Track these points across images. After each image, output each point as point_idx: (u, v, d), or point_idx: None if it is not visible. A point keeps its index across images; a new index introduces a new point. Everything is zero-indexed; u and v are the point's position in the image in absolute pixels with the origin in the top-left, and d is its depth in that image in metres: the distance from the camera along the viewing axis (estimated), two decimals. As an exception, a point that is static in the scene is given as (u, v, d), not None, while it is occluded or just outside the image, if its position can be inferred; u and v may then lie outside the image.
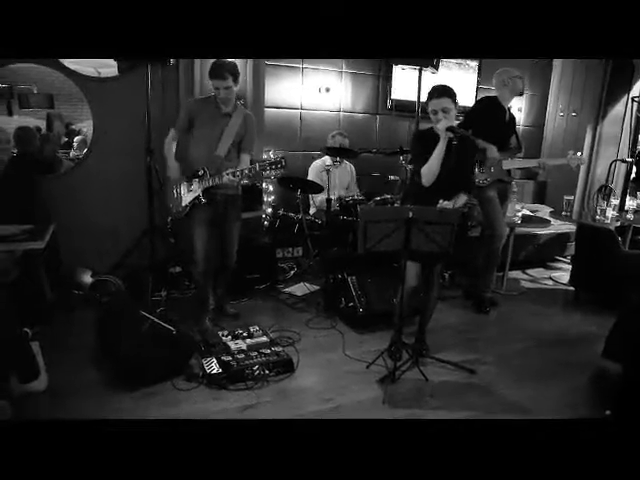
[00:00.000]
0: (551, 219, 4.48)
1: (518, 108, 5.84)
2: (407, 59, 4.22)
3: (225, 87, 2.85)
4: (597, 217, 3.98)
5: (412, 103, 4.53)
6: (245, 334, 2.91)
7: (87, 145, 3.95)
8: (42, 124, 4.29)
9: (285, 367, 2.67)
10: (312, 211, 4.42)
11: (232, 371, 2.53)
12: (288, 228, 4.22)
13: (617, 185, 4.95)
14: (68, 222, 3.44)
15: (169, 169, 3.04)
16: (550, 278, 4.66)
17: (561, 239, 4.95)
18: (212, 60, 2.95)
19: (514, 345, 3.18)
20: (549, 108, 5.91)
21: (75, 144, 4.41)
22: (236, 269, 3.35)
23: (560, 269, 4.93)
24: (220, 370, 2.54)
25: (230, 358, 2.62)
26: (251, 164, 2.88)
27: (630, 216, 4.16)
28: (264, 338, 2.88)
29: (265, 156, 2.83)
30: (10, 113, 4.11)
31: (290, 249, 4.28)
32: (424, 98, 2.78)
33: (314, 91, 4.77)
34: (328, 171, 3.66)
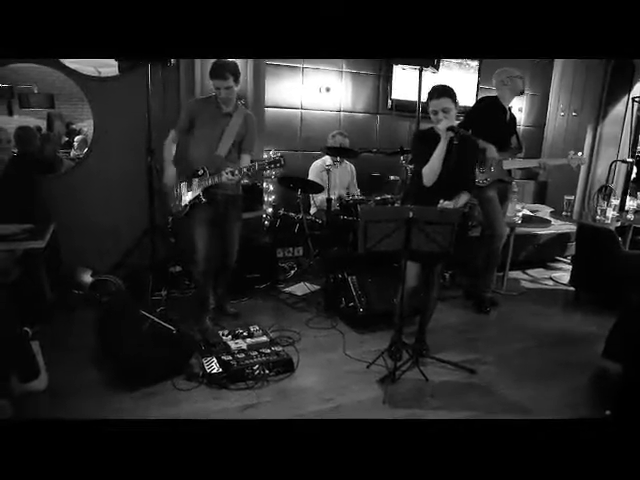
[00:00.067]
0: (551, 219, 4.48)
1: (519, 108, 5.84)
2: (408, 59, 4.22)
3: (226, 87, 2.85)
4: (597, 217, 3.98)
5: (412, 103, 4.53)
6: (245, 334, 2.91)
7: (88, 145, 3.95)
8: (43, 124, 4.30)
9: (285, 367, 2.67)
10: (312, 211, 4.42)
11: (232, 371, 2.53)
12: (288, 228, 4.22)
13: (617, 185, 4.95)
14: (68, 221, 3.44)
15: (165, 176, 3.03)
16: (550, 278, 4.66)
17: (561, 239, 4.95)
18: (213, 60, 2.95)
19: (514, 345, 3.18)
20: (550, 108, 5.91)
21: (76, 144, 4.41)
22: (236, 269, 3.35)
23: (560, 269, 4.93)
24: (220, 370, 2.54)
25: (230, 358, 2.62)
26: (250, 163, 2.89)
27: (630, 216, 4.16)
28: (264, 338, 2.88)
29: (265, 156, 2.82)
30: (11, 113, 4.12)
31: (290, 249, 4.28)
32: (424, 98, 2.78)
33: (314, 91, 4.78)
34: (328, 171, 3.66)
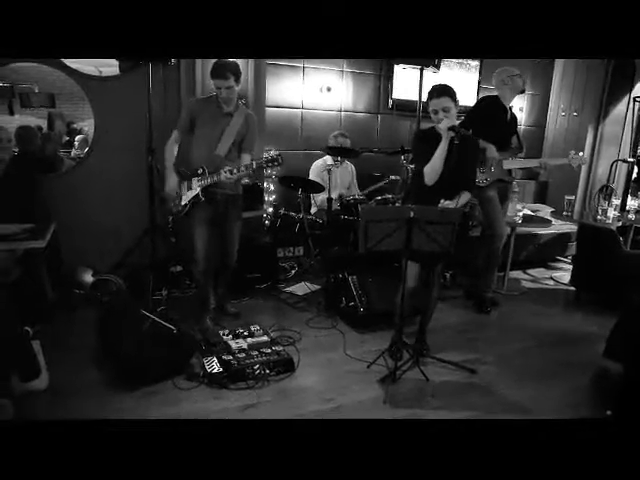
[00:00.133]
0: (552, 219, 4.47)
1: (519, 108, 5.84)
2: (409, 59, 4.22)
3: (227, 87, 2.85)
4: (598, 217, 3.98)
5: (413, 102, 4.53)
6: (246, 333, 2.91)
7: (88, 144, 3.96)
8: (43, 123, 4.30)
9: (286, 366, 2.67)
10: (313, 210, 4.42)
11: (233, 370, 2.53)
12: (289, 227, 4.22)
13: (618, 185, 4.95)
14: (69, 221, 3.44)
15: (167, 185, 3.01)
16: (551, 278, 4.66)
17: (562, 239, 4.95)
18: (214, 60, 2.95)
19: (515, 345, 3.18)
20: (550, 108, 5.90)
21: (76, 143, 4.42)
22: (237, 268, 3.35)
23: (561, 269, 4.93)
24: (221, 369, 2.55)
25: (231, 357, 2.62)
26: None
27: (631, 216, 4.16)
28: (265, 337, 2.88)
29: (266, 155, 2.83)
30: (11, 112, 4.12)
31: (291, 248, 4.28)
32: (425, 98, 2.78)
33: (315, 90, 4.77)
34: (329, 171, 3.66)
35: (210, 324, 3.12)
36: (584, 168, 5.13)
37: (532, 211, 4.81)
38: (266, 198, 4.37)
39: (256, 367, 2.56)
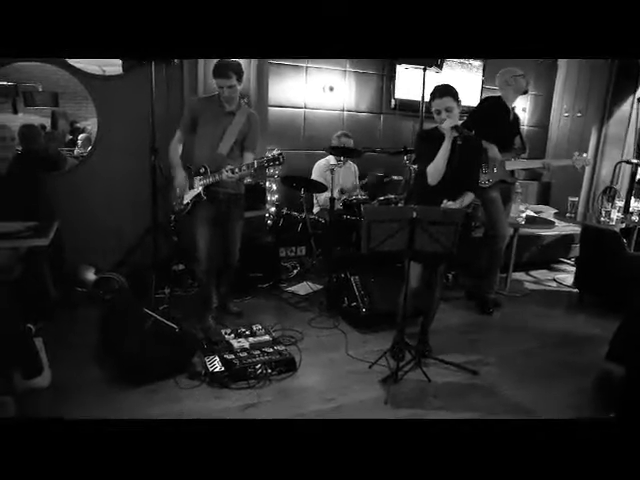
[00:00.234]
0: (555, 220, 4.46)
1: (522, 108, 5.83)
2: (412, 59, 4.22)
3: (229, 86, 2.85)
4: (602, 219, 3.96)
5: (416, 102, 4.52)
6: (248, 332, 2.91)
7: (91, 143, 3.97)
8: (47, 122, 4.32)
9: (287, 366, 2.67)
10: (316, 210, 4.42)
11: (234, 369, 2.53)
12: (291, 227, 4.22)
13: (622, 187, 4.93)
14: (72, 219, 3.44)
15: (177, 181, 3.02)
16: (554, 280, 4.64)
17: (565, 241, 4.94)
18: (216, 59, 2.96)
19: (517, 346, 3.17)
20: (554, 108, 5.88)
21: (79, 142, 4.43)
22: (239, 268, 3.35)
23: (564, 271, 4.91)
24: (222, 368, 2.55)
25: (233, 356, 2.62)
26: None
27: (635, 218, 4.14)
28: (267, 337, 2.88)
29: (269, 155, 2.83)
30: (15, 111, 4.14)
31: (293, 248, 4.28)
32: (428, 98, 2.78)
33: (318, 90, 4.77)
34: (332, 170, 3.66)
35: (212, 323, 3.13)
36: (588, 169, 5.12)
37: (535, 212, 4.80)
38: (268, 198, 4.37)
39: (258, 366, 2.57)
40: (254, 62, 4.02)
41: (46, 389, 2.39)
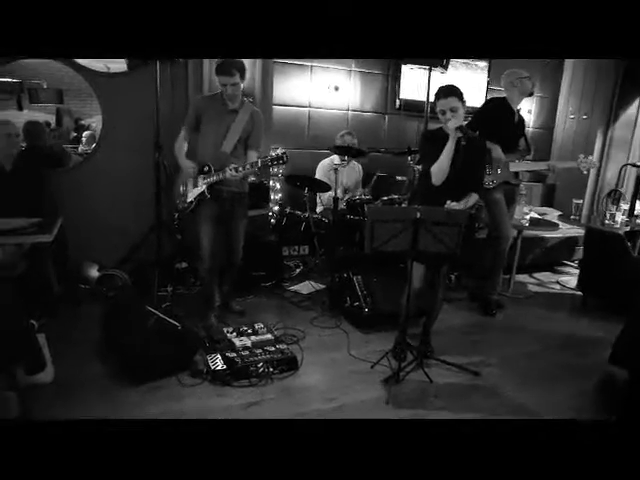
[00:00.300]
0: (559, 223, 4.44)
1: (528, 110, 5.81)
2: (417, 59, 4.21)
3: (232, 83, 2.85)
4: (606, 221, 3.95)
5: (421, 103, 4.52)
6: (250, 331, 2.91)
7: (96, 140, 3.97)
8: (52, 119, 4.32)
9: (289, 365, 2.67)
10: (319, 210, 4.41)
11: (236, 368, 2.53)
12: (295, 226, 4.22)
13: (627, 189, 4.91)
14: (76, 216, 3.46)
15: (184, 169, 3.02)
16: (557, 282, 4.63)
17: (569, 243, 4.92)
18: (221, 57, 2.96)
19: (519, 348, 3.16)
20: (559, 110, 5.86)
21: (84, 139, 4.44)
22: (242, 266, 3.35)
23: (568, 273, 4.89)
24: (224, 367, 2.55)
25: (235, 355, 2.62)
26: None
27: (640, 221, 4.12)
28: (269, 335, 2.88)
29: (273, 154, 2.83)
30: (20, 108, 4.14)
31: (296, 247, 4.28)
32: (433, 98, 2.78)
33: (323, 89, 4.77)
34: (336, 170, 3.65)
35: (214, 321, 3.13)
36: (593, 172, 5.10)
37: (539, 214, 4.79)
38: (272, 196, 4.37)
39: (260, 365, 2.57)
40: (259, 61, 4.02)
41: (49, 385, 2.39)
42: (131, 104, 3.77)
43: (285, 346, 2.79)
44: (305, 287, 3.93)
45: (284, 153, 2.79)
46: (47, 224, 2.77)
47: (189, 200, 3.03)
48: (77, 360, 2.63)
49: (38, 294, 2.93)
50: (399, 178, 4.56)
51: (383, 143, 4.96)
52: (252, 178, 3.70)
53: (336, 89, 4.81)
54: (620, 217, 3.95)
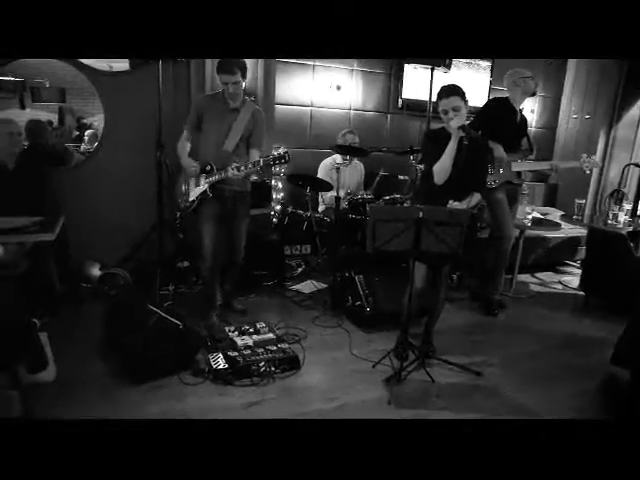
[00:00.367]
0: (562, 222, 4.43)
1: (531, 110, 5.80)
2: (420, 59, 4.21)
3: (233, 82, 2.85)
4: (609, 221, 3.94)
5: (423, 102, 4.51)
6: (252, 330, 2.91)
7: (98, 139, 3.98)
8: (54, 118, 4.33)
9: (291, 364, 2.67)
10: (321, 209, 4.41)
11: (238, 367, 2.53)
12: (297, 225, 4.22)
13: (630, 189, 4.90)
14: (78, 215, 3.46)
15: (187, 169, 3.02)
16: (560, 282, 4.62)
17: (571, 243, 4.91)
18: (223, 56, 2.95)
19: (521, 348, 3.15)
20: (562, 110, 5.85)
21: (86, 138, 4.45)
22: (244, 265, 3.36)
23: (570, 273, 4.89)
24: (226, 366, 2.55)
25: (236, 354, 2.62)
26: None
27: (642, 221, 4.11)
28: (271, 335, 2.88)
29: (275, 153, 2.83)
30: (23, 106, 4.16)
31: (298, 246, 4.28)
32: (435, 98, 2.77)
33: (325, 89, 4.77)
34: (338, 169, 3.65)
35: (216, 320, 3.13)
36: (595, 171, 5.09)
37: (542, 214, 4.77)
38: (274, 196, 4.37)
39: (261, 364, 2.57)
40: (262, 60, 4.03)
41: (51, 384, 2.40)
42: (133, 103, 3.77)
43: (287, 345, 2.79)
44: (307, 286, 3.93)
45: (286, 152, 2.79)
46: (49, 223, 2.77)
47: (191, 199, 3.04)
48: (79, 359, 2.63)
49: (40, 293, 2.94)
50: (401, 177, 4.55)
51: (385, 142, 4.95)
52: (254, 177, 3.70)
53: (338, 88, 4.81)
54: (623, 217, 3.94)
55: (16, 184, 3.06)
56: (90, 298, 3.40)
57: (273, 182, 4.34)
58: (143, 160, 3.76)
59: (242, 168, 2.81)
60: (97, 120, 4.17)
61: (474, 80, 5.26)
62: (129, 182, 3.85)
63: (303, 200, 4.19)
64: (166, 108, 3.66)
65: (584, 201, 4.40)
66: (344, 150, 4.01)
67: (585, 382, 2.74)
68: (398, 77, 5.00)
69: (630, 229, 4.03)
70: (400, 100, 5.03)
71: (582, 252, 4.67)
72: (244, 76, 2.90)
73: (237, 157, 2.97)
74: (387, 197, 3.95)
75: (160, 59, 3.51)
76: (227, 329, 2.93)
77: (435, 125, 3.10)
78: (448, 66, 4.23)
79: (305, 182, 3.89)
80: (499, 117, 3.49)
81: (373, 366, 2.76)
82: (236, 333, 2.88)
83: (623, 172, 4.75)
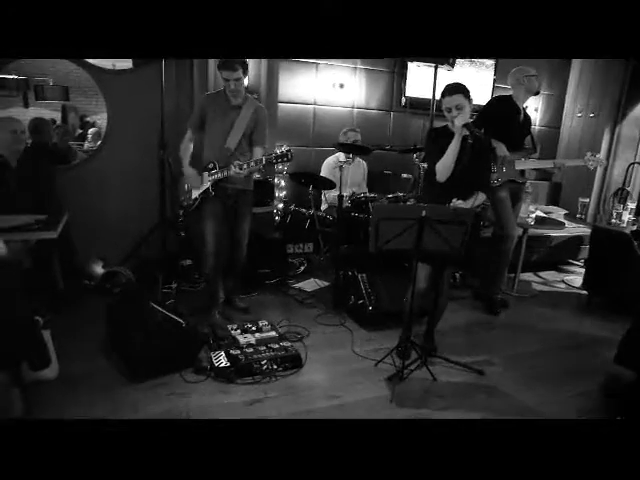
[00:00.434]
0: (565, 221, 4.42)
1: (535, 108, 5.77)
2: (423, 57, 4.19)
3: (235, 78, 2.84)
4: (613, 220, 3.92)
5: (427, 101, 4.50)
6: (254, 328, 2.92)
7: (101, 137, 3.99)
8: (57, 116, 4.34)
9: (293, 362, 2.67)
10: (324, 207, 4.41)
11: (240, 365, 2.54)
12: (299, 224, 4.22)
13: (634, 188, 4.88)
14: (81, 213, 3.47)
15: (187, 177, 3.03)
16: (563, 281, 4.60)
17: (575, 242, 4.88)
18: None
19: (524, 347, 3.15)
20: (566, 108, 5.82)
21: (89, 136, 4.46)
22: (247, 263, 3.36)
23: (573, 272, 4.87)
24: (228, 364, 2.55)
25: (239, 352, 2.62)
26: None
27: (646, 220, 4.09)
28: (273, 333, 2.89)
29: (278, 151, 2.83)
30: (26, 104, 4.17)
31: (301, 245, 4.28)
32: (439, 96, 2.76)
33: (328, 87, 4.76)
34: (341, 167, 3.65)
35: (219, 318, 3.14)
36: (599, 170, 5.07)
37: (545, 213, 4.76)
38: (277, 194, 4.37)
39: (263, 362, 2.57)
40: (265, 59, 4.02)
41: (53, 381, 2.40)
42: (136, 101, 3.77)
43: (289, 343, 2.79)
44: (309, 285, 3.93)
45: (289, 150, 2.78)
46: (52, 221, 2.78)
47: (194, 197, 3.04)
48: (81, 357, 2.63)
49: (43, 290, 2.94)
50: (404, 176, 4.55)
51: (388, 141, 4.95)
52: (257, 175, 3.70)
53: (341, 86, 4.80)
54: (627, 216, 3.92)
55: (19, 182, 3.07)
56: (93, 296, 3.41)
57: (276, 180, 4.34)
58: (146, 158, 3.76)
59: (245, 166, 2.81)
60: (100, 118, 4.18)
61: (478, 78, 5.24)
62: (132, 180, 3.85)
63: (306, 198, 4.19)
64: (169, 106, 3.67)
65: (588, 200, 4.39)
66: (347, 148, 4.01)
67: (588, 382, 2.73)
68: (401, 75, 4.99)
69: (634, 228, 4.01)
70: (403, 98, 5.02)
71: (585, 251, 4.65)
72: (245, 72, 2.90)
73: (240, 155, 2.97)
74: (390, 195, 3.94)
75: (162, 59, 3.51)
76: (229, 327, 2.93)
77: (439, 123, 3.09)
78: (452, 64, 4.21)
79: (308, 180, 3.88)
80: (503, 115, 3.48)
81: (375, 364, 2.76)
82: (238, 331, 2.88)
83: (627, 171, 4.73)
